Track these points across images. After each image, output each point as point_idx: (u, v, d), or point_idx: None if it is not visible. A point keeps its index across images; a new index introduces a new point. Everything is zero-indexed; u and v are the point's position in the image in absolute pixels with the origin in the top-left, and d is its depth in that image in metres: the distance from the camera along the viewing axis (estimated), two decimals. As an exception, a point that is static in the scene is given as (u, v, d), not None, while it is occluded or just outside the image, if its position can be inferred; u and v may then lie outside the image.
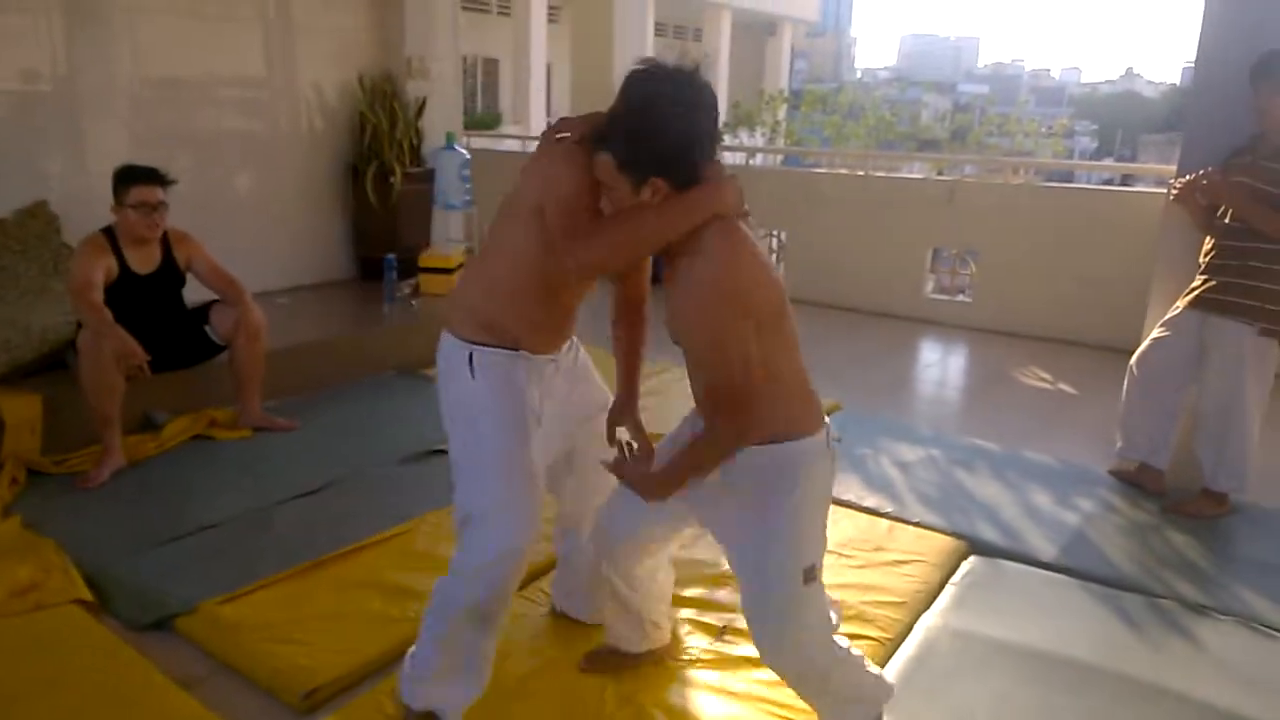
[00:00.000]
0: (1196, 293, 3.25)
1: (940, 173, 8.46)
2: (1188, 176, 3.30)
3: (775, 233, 7.57)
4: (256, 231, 5.24)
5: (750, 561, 1.80)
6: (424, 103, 5.79)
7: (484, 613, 1.89)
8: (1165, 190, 3.88)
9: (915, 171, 7.74)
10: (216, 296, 3.67)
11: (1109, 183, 9.06)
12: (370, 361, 4.50)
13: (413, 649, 1.98)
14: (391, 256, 5.06)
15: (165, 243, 3.55)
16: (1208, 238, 3.28)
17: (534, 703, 2.10)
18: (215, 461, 3.39)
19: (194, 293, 3.71)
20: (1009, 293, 6.23)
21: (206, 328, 3.63)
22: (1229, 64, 3.32)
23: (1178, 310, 3.33)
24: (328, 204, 5.67)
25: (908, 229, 6.68)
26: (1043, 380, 5.23)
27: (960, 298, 6.73)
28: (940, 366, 6.06)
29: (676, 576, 2.30)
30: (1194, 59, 3.70)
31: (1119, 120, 52.07)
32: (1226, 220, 3.18)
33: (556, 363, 2.04)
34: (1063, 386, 5.14)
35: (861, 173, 7.28)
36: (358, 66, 5.63)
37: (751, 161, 8.32)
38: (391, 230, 5.51)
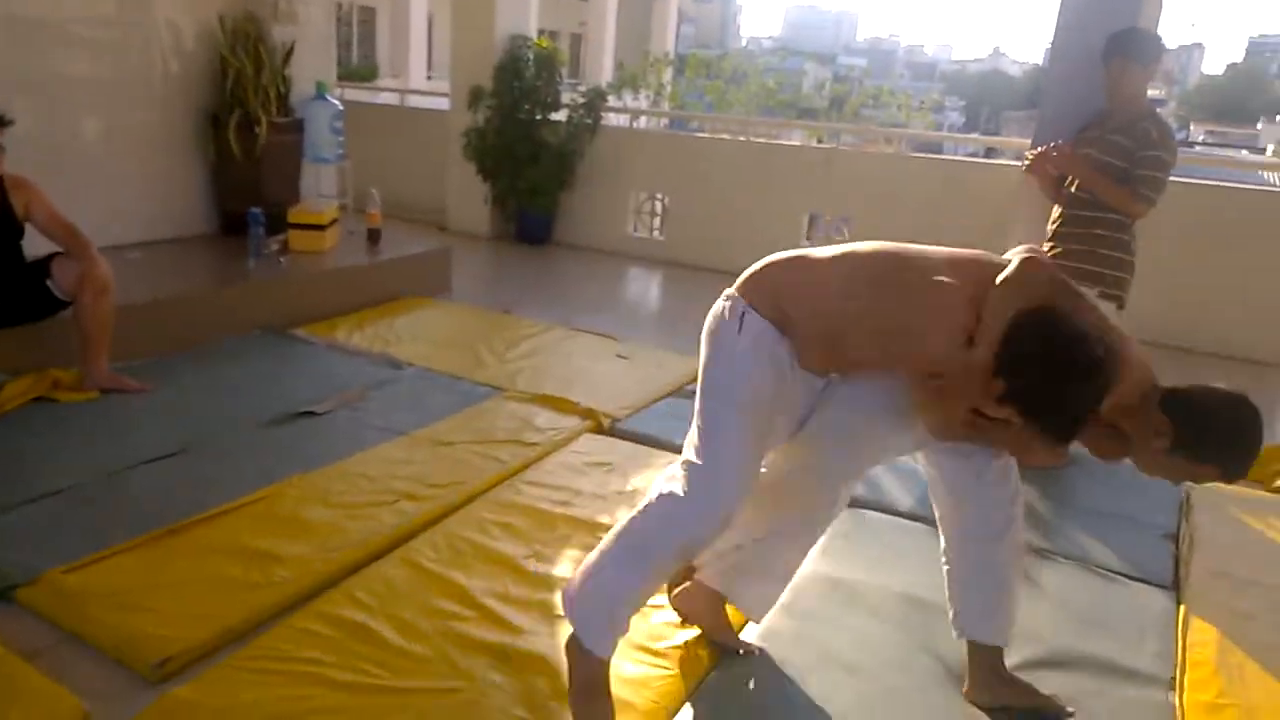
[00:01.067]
0: None
1: (819, 141, 8.65)
2: (1040, 148, 3.47)
3: (658, 196, 7.59)
4: (106, 181, 4.89)
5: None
6: (291, 48, 5.50)
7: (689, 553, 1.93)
8: (1020, 161, 4.08)
9: (794, 139, 7.88)
10: (59, 249, 3.42)
11: (974, 155, 9.46)
12: (233, 321, 4.29)
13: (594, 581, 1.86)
14: (257, 211, 4.81)
15: (1, 189, 3.27)
16: (1055, 206, 3.47)
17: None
18: (59, 425, 3.17)
19: (36, 245, 3.45)
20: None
21: (48, 282, 3.38)
22: (1083, 45, 3.51)
23: None
24: (185, 154, 5.33)
25: (786, 194, 6.81)
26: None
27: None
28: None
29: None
30: (1052, 40, 3.89)
31: (985, 97, 54.43)
32: (1074, 190, 3.37)
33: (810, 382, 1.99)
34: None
35: (743, 138, 7.36)
36: (217, 7, 5.29)
37: (635, 123, 8.29)
38: (256, 183, 5.23)
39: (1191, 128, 42.81)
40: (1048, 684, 2.11)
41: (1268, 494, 3.41)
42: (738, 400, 1.87)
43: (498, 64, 7.25)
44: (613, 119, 7.87)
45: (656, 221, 7.73)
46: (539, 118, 7.38)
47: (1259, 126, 42.45)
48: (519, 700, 1.95)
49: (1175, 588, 2.66)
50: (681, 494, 1.83)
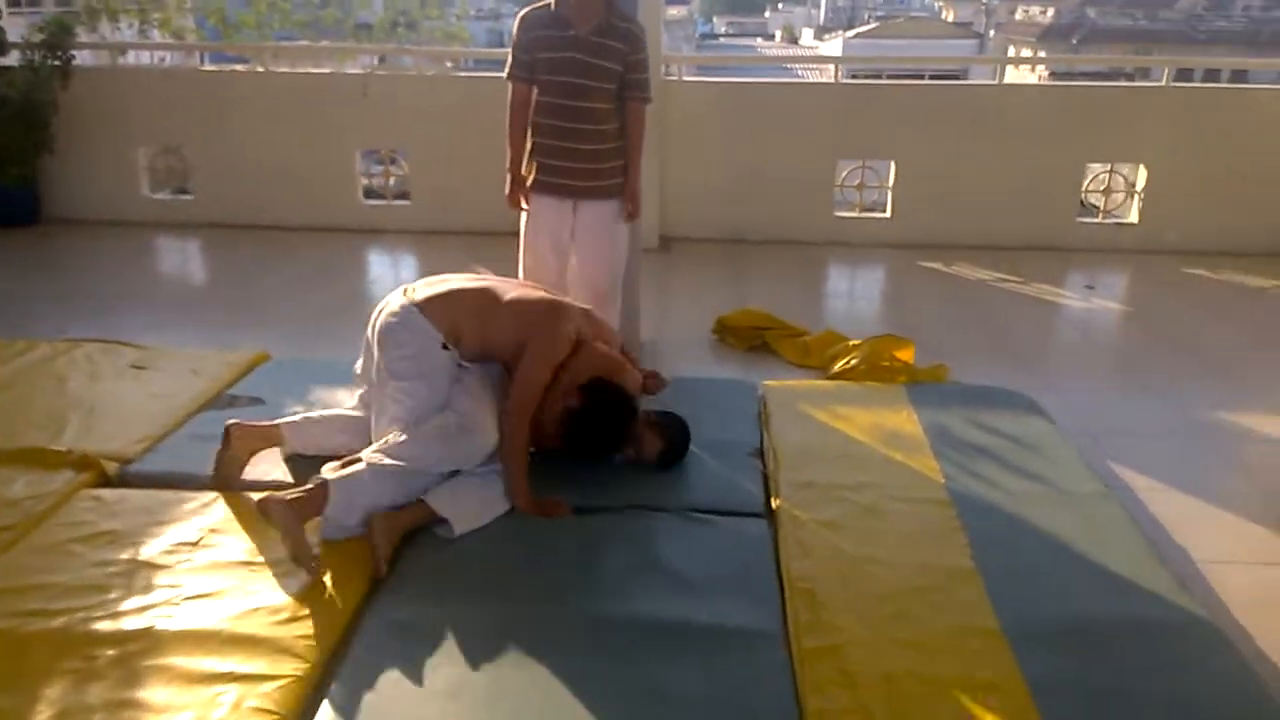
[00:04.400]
0: None
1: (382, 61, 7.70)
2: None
3: (174, 147, 6.34)
4: None
5: None
6: None
7: None
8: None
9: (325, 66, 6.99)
10: None
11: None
12: None
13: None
14: None
15: None
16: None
17: None
18: None
19: None
20: (444, 190, 5.99)
21: None
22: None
23: None
24: None
25: (327, 131, 6.04)
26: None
27: (399, 201, 6.32)
28: (393, 281, 5.67)
29: None
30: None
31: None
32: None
33: None
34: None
35: (261, 69, 6.34)
36: None
37: (123, 60, 6.84)
38: None
39: (715, 20, 46.96)
40: (663, 668, 1.91)
41: (827, 382, 3.59)
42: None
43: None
44: (86, 57, 6.40)
45: (173, 189, 6.51)
46: (-20, 64, 5.76)
47: (766, 15, 47.60)
48: None
49: (768, 511, 2.61)
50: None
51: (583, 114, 3.20)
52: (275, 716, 1.79)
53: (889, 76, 9.73)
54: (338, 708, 1.83)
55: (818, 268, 5.75)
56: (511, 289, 2.73)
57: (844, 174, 6.18)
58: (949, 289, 5.31)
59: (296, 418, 2.78)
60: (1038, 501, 2.65)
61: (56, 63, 5.90)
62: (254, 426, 2.71)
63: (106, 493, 2.61)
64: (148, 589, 2.16)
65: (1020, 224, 6.02)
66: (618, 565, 2.31)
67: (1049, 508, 2.61)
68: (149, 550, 2.31)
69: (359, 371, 2.80)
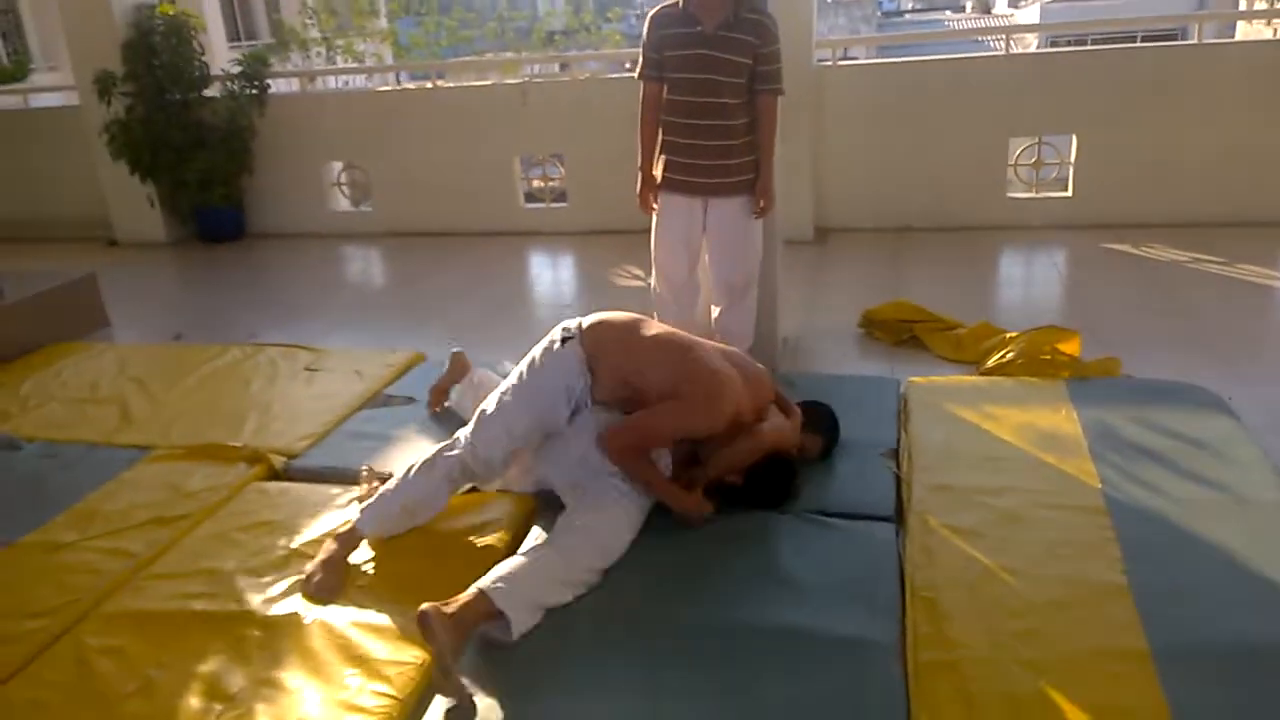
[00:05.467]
0: None
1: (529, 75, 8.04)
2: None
3: (355, 165, 6.83)
4: None
5: None
6: None
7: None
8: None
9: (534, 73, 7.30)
10: None
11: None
12: None
13: None
14: None
15: None
16: None
17: None
18: None
19: None
20: (599, 191, 6.11)
21: None
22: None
23: None
24: None
25: (490, 139, 6.30)
26: (638, 279, 5.16)
27: (557, 205, 6.51)
28: (549, 281, 5.85)
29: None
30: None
31: None
32: None
33: None
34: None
35: (430, 85, 6.70)
36: None
37: (311, 86, 7.40)
38: None
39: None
40: (768, 679, 1.87)
41: (979, 378, 3.37)
42: None
43: (124, 42, 6.19)
44: (286, 85, 7.00)
45: (357, 193, 7.01)
46: (191, 96, 6.40)
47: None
48: None
49: (899, 516, 2.49)
50: None
51: (711, 110, 3.16)
52: (392, 700, 1.89)
53: (1094, 42, 9.01)
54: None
55: (987, 254, 5.41)
56: (681, 336, 2.54)
57: (1018, 152, 5.79)
58: (1136, 273, 4.85)
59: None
60: (1210, 511, 2.37)
61: (254, 91, 6.48)
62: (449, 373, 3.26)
63: (272, 485, 2.85)
64: (297, 576, 2.34)
65: (1226, 197, 5.41)
66: (733, 570, 2.27)
67: (1222, 518, 2.34)
68: (301, 539, 2.50)
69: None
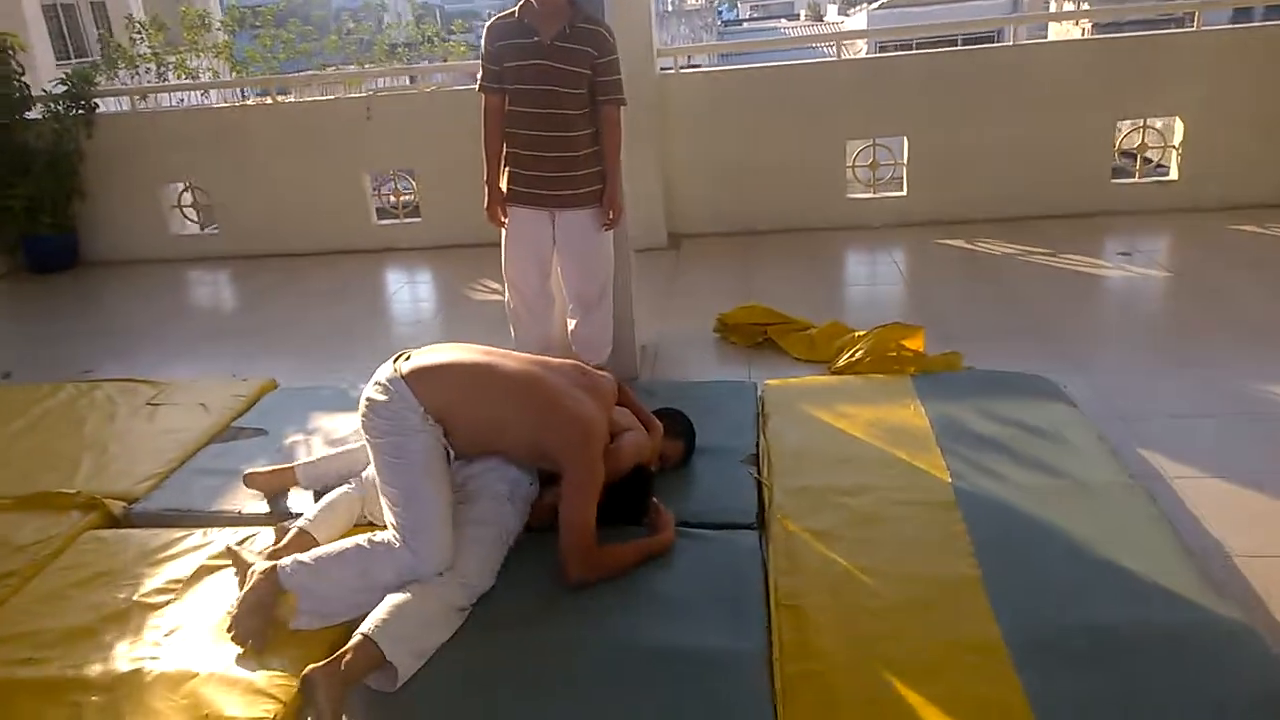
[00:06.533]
0: None
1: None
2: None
3: (195, 185, 6.50)
4: None
5: None
6: None
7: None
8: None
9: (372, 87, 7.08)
10: None
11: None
12: None
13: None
14: None
15: None
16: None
17: None
18: None
19: None
20: (452, 205, 6.02)
21: None
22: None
23: None
24: None
25: (336, 156, 6.13)
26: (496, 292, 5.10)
27: (410, 220, 6.39)
28: (406, 298, 5.72)
29: None
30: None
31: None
32: None
33: None
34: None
35: (270, 100, 6.45)
36: None
37: (142, 104, 6.99)
38: None
39: (739, 5, 46.17)
40: (635, 695, 1.88)
41: (831, 378, 3.49)
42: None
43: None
44: (116, 104, 6.59)
45: (201, 215, 6.67)
46: (13, 119, 5.95)
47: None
48: None
49: (761, 522, 2.55)
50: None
51: (554, 121, 3.16)
52: (247, 761, 1.80)
53: (918, 46, 9.52)
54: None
55: (831, 254, 5.63)
56: (525, 374, 2.36)
57: (855, 154, 6.05)
58: (971, 267, 5.15)
59: (312, 458, 2.81)
60: (1053, 497, 2.50)
61: (80, 111, 6.07)
62: (269, 474, 2.79)
63: (109, 533, 2.67)
64: (138, 631, 2.20)
65: (1049, 191, 5.80)
66: (599, 588, 2.24)
67: (1066, 503, 2.47)
68: (142, 590, 2.35)
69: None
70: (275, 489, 2.79)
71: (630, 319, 3.74)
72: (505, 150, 3.30)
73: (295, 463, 2.81)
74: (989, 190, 5.83)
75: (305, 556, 2.22)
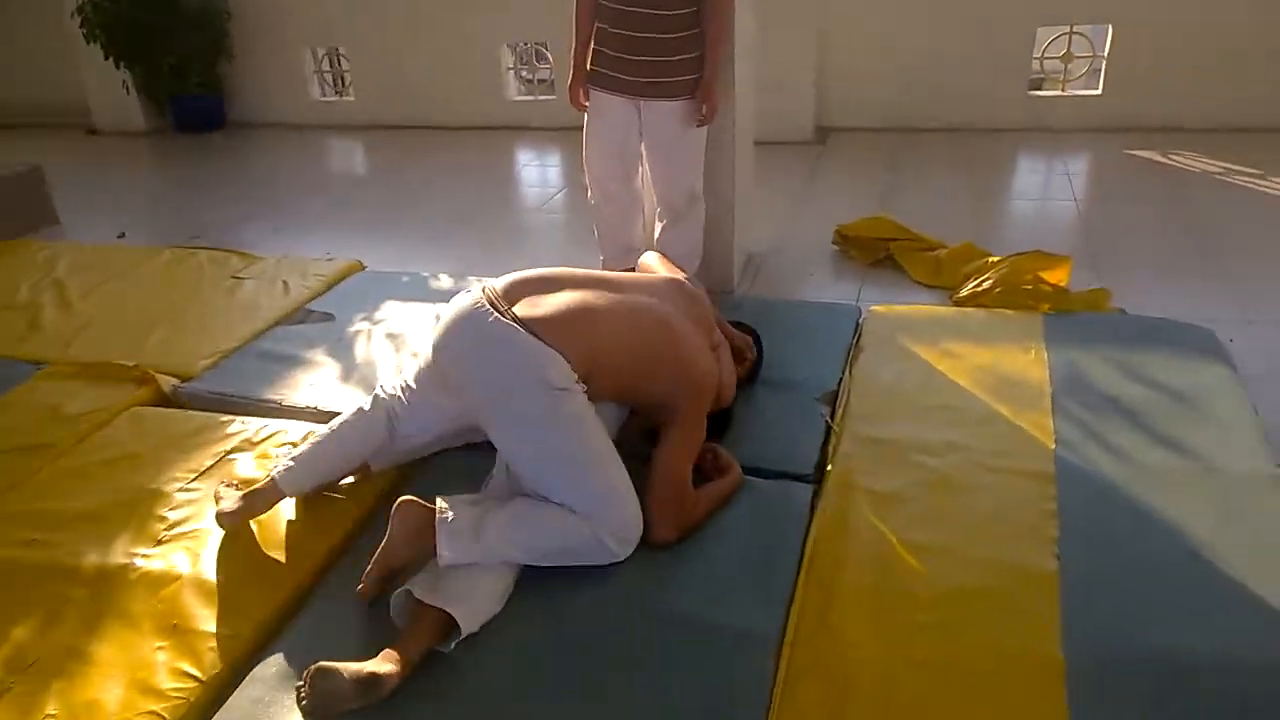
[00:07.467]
0: None
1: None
2: None
3: (338, 50, 6.44)
4: None
5: None
6: None
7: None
8: None
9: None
10: None
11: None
12: None
13: None
14: None
15: None
16: None
17: None
18: None
19: None
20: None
21: None
22: None
23: None
24: None
25: (476, 23, 5.87)
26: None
27: (544, 97, 6.10)
28: (534, 176, 5.47)
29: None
30: None
31: None
32: None
33: None
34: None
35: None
36: None
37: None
38: None
39: None
40: (629, 677, 1.63)
41: (948, 309, 3.01)
42: None
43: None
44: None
45: (336, 84, 6.64)
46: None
47: None
48: None
49: (818, 476, 2.19)
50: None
51: None
52: (195, 682, 1.69)
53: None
54: (269, 671, 1.70)
55: (997, 160, 4.94)
56: (658, 321, 2.05)
57: (1046, 44, 5.22)
58: (1156, 184, 4.36)
59: (290, 462, 2.09)
60: (1175, 482, 2.03)
61: (231, -32, 6.06)
62: (235, 511, 2.04)
63: (150, 411, 2.63)
64: (143, 521, 2.13)
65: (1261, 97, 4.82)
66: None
67: (1191, 492, 2.00)
68: (161, 478, 2.28)
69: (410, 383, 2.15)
70: (258, 513, 2.07)
71: (731, 224, 3.34)
72: (594, 25, 2.92)
73: (272, 470, 2.10)
74: (1201, 93, 4.90)
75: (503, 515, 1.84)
